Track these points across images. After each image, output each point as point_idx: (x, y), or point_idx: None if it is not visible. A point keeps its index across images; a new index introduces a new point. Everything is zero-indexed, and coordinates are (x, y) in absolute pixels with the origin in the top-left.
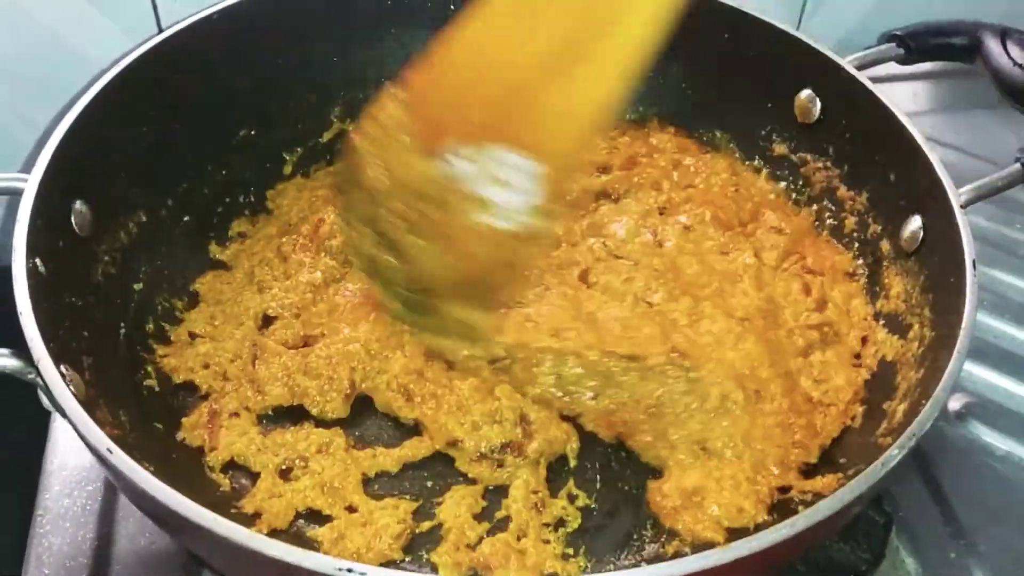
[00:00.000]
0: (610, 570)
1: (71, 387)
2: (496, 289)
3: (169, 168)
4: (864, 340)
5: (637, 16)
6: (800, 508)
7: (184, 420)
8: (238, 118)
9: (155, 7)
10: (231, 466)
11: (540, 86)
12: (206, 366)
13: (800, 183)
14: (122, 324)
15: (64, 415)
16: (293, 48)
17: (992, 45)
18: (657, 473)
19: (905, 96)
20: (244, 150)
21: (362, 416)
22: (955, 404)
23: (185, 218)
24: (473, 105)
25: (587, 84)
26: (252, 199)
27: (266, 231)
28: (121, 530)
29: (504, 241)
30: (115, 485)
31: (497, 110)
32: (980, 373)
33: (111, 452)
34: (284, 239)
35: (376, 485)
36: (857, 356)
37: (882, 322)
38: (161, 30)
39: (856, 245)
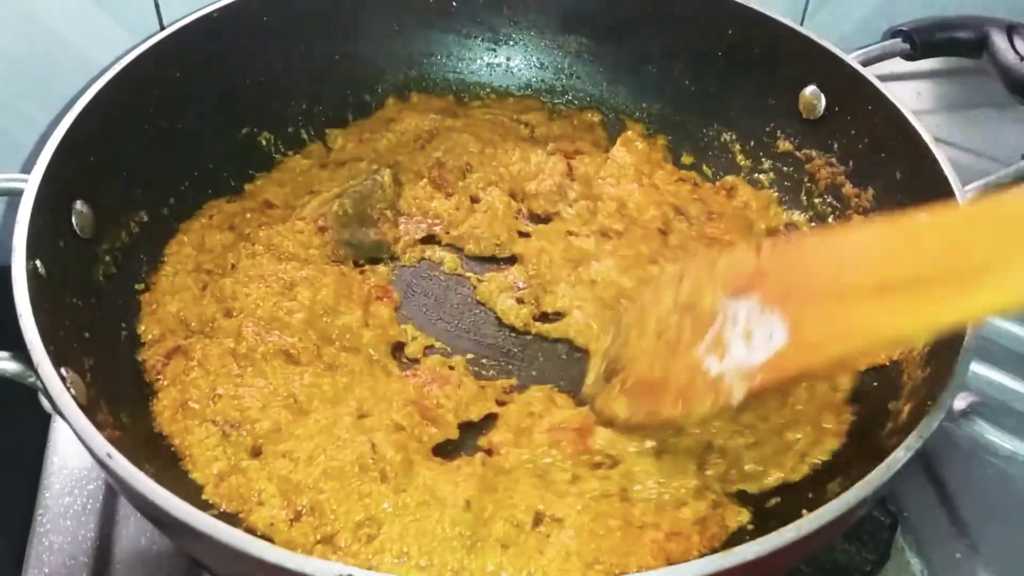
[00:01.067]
0: None
1: (71, 390)
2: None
3: (171, 167)
4: None
5: (994, 292)
6: None
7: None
8: (240, 116)
9: (157, 6)
10: None
11: (870, 299)
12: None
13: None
14: (124, 324)
15: (64, 419)
16: (295, 45)
17: (998, 40)
18: None
19: (909, 95)
20: (246, 147)
21: None
22: (960, 403)
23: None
24: (805, 285)
25: (907, 319)
26: None
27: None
28: (122, 529)
29: (701, 391)
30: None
31: (819, 298)
32: (985, 372)
33: (110, 457)
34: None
35: None
36: None
37: None
38: (163, 29)
39: None
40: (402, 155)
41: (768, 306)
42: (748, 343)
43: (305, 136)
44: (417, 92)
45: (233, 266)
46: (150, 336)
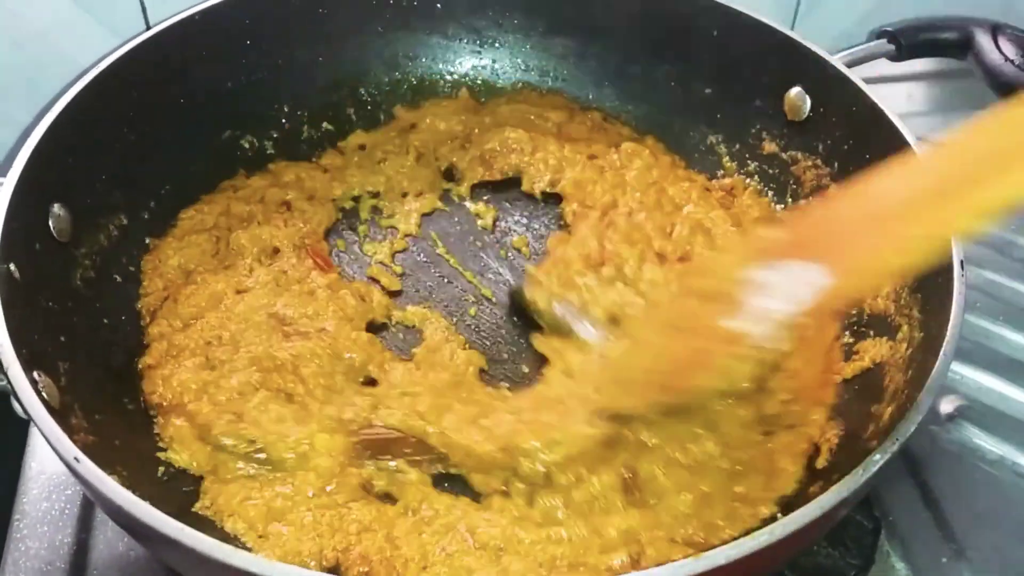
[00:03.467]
0: None
1: (43, 394)
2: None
3: (151, 170)
4: None
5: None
6: None
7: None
8: (223, 119)
9: (144, 8)
10: None
11: (908, 215)
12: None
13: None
14: (101, 328)
15: (33, 422)
16: (278, 48)
17: (983, 41)
18: None
19: (899, 96)
20: (228, 151)
21: None
22: (947, 407)
23: (168, 221)
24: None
25: (936, 223)
26: None
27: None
28: (99, 535)
29: (735, 350)
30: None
31: (854, 237)
32: (972, 375)
33: (78, 461)
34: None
35: None
36: None
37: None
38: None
39: None
40: (444, 149)
41: (804, 262)
42: (783, 298)
43: (289, 140)
44: (427, 97)
45: (259, 223)
46: (153, 290)
